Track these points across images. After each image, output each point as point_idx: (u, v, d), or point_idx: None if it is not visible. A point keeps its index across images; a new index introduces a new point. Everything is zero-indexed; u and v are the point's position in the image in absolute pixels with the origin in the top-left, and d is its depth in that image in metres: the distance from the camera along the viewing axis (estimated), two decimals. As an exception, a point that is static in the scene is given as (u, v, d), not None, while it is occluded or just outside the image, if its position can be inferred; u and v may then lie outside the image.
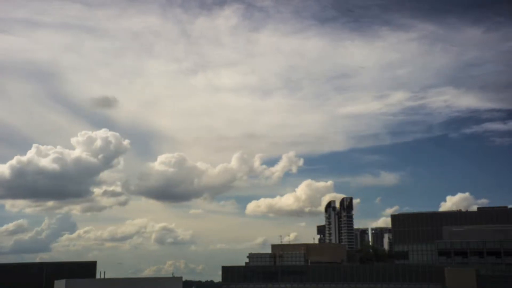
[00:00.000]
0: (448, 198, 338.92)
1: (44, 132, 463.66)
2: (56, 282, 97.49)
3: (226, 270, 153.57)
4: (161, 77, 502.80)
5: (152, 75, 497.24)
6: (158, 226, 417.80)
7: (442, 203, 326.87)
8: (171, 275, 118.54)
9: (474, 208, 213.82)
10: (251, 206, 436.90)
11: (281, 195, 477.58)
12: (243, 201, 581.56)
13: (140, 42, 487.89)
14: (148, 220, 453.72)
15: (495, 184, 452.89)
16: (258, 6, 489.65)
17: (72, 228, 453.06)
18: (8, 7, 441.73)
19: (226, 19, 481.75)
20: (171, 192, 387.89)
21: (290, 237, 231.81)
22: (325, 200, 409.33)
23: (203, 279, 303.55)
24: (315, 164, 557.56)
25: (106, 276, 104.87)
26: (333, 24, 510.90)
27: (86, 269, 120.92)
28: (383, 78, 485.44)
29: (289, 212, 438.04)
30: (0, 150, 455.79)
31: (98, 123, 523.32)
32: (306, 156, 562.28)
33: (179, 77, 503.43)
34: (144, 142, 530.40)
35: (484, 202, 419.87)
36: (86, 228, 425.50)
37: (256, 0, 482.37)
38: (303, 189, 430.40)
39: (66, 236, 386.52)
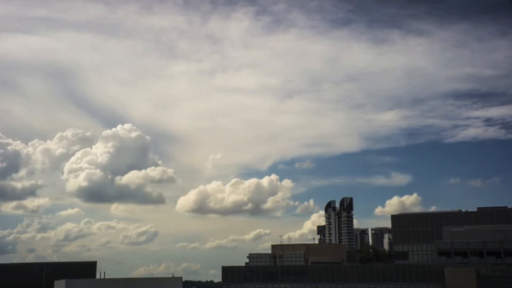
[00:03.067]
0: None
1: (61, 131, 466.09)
2: (56, 282, 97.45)
3: (226, 270, 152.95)
4: (180, 78, 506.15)
5: (170, 76, 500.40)
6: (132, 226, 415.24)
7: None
8: (171, 275, 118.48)
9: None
10: (182, 201, 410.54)
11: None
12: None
13: (159, 43, 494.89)
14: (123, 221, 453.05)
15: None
16: (271, 10, 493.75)
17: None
18: (29, 6, 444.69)
19: (240, 22, 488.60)
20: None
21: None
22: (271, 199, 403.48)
23: (203, 279, 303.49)
24: (328, 165, 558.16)
25: (107, 276, 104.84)
26: (346, 27, 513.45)
27: (86, 269, 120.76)
28: (394, 82, 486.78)
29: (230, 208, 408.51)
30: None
31: (114, 123, 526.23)
32: (320, 157, 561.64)
33: (198, 77, 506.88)
34: (160, 142, 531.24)
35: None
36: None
37: (270, 4, 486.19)
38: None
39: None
